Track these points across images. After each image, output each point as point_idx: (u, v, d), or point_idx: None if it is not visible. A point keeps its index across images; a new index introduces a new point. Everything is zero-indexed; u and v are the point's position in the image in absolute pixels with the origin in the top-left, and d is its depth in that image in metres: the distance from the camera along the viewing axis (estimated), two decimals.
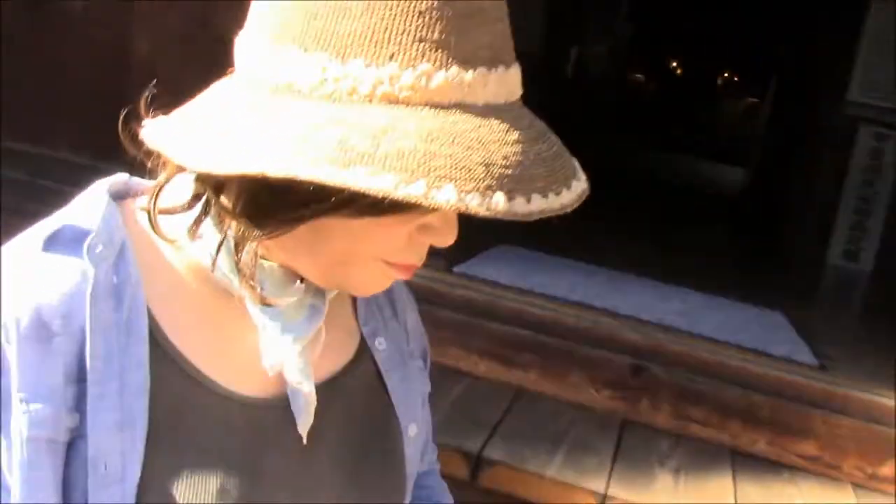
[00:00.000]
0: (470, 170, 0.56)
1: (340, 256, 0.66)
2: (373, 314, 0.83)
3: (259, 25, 0.63)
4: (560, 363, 2.56)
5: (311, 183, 0.57)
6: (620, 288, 3.08)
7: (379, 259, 0.67)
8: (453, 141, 0.57)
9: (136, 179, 0.73)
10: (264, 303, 0.68)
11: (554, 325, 2.60)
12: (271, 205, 0.63)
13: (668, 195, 8.08)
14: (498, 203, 0.56)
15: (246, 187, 0.63)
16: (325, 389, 0.74)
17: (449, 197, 0.55)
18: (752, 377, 2.50)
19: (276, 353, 0.70)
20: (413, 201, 0.55)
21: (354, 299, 0.83)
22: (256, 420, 0.71)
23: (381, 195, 0.55)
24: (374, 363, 0.81)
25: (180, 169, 0.67)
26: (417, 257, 0.68)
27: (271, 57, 0.61)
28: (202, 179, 0.67)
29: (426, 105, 0.58)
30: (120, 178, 0.72)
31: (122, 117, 0.65)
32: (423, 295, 2.71)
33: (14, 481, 0.62)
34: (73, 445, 0.63)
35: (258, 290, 0.68)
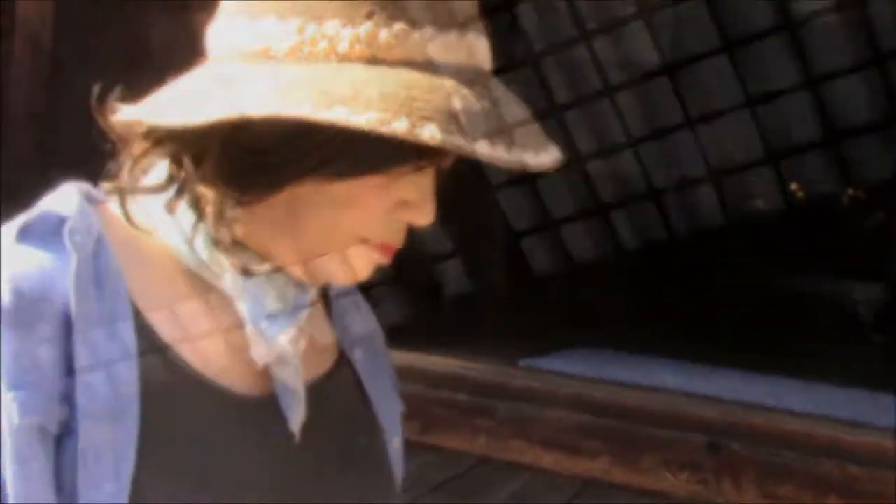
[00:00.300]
0: (452, 114, 0.58)
1: (319, 237, 0.67)
2: (347, 326, 0.83)
3: (234, 7, 0.65)
4: (630, 448, 2.37)
5: (290, 141, 0.60)
6: (702, 375, 2.88)
7: (358, 239, 0.67)
8: (432, 90, 0.59)
9: (98, 190, 0.74)
10: (245, 272, 0.67)
11: (620, 407, 2.44)
12: (251, 168, 0.64)
13: (797, 315, 7.65)
14: (482, 146, 0.58)
15: (224, 153, 0.64)
16: (308, 393, 0.72)
17: (433, 134, 0.56)
18: (849, 447, 2.24)
19: (263, 345, 0.68)
20: (399, 135, 0.56)
21: (330, 311, 0.83)
22: (246, 416, 0.69)
23: (366, 128, 0.56)
24: (354, 374, 0.81)
25: (153, 146, 0.67)
26: (397, 237, 0.68)
27: (247, 30, 0.63)
28: (177, 152, 0.67)
29: (403, 62, 0.60)
30: (84, 184, 0.73)
31: (96, 96, 0.67)
32: (481, 388, 2.62)
33: (7, 476, 0.60)
34: (62, 443, 0.61)
35: (239, 260, 0.67)
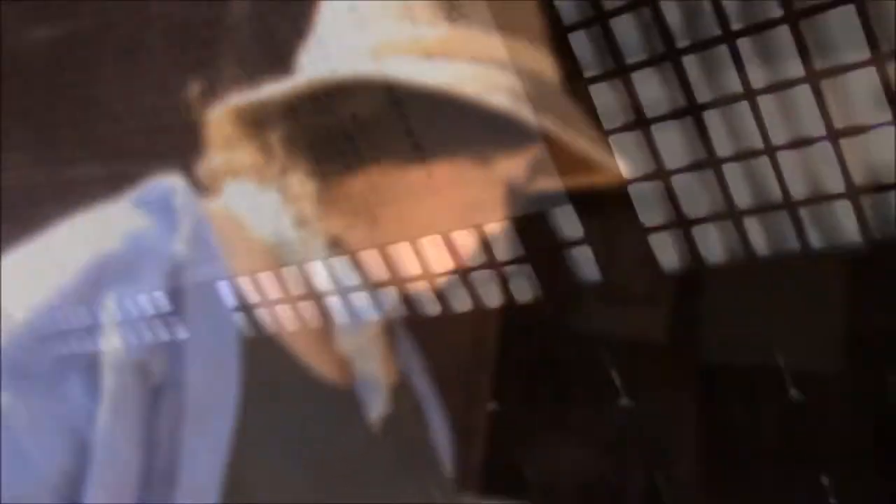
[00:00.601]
0: (517, 92, 0.62)
1: (394, 227, 0.71)
2: (406, 355, 0.87)
3: (318, 29, 0.72)
4: None
5: (369, 120, 0.65)
6: None
7: (430, 235, 0.71)
8: (500, 75, 0.64)
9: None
10: (334, 242, 0.71)
11: None
12: (334, 146, 0.68)
13: None
14: (548, 122, 0.61)
15: (310, 132, 0.69)
16: None
17: (501, 101, 0.61)
18: None
19: (348, 334, 0.73)
20: (468, 96, 0.61)
21: (391, 336, 0.88)
22: (330, 402, 0.74)
23: (438, 85, 0.62)
24: (415, 399, 0.85)
25: (248, 130, 0.72)
26: (468, 240, 0.72)
27: (328, 46, 0.69)
28: (266, 135, 0.71)
29: (475, 59, 0.65)
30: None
31: (195, 91, 0.72)
32: None
33: (101, 415, 0.62)
34: (160, 396, 0.64)
35: (326, 234, 0.72)
